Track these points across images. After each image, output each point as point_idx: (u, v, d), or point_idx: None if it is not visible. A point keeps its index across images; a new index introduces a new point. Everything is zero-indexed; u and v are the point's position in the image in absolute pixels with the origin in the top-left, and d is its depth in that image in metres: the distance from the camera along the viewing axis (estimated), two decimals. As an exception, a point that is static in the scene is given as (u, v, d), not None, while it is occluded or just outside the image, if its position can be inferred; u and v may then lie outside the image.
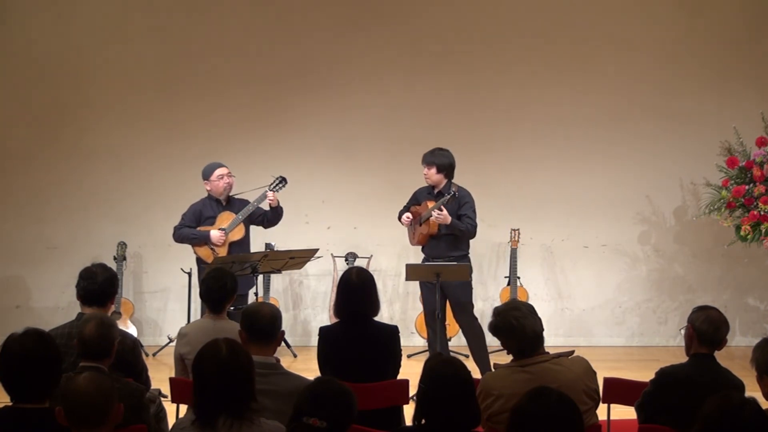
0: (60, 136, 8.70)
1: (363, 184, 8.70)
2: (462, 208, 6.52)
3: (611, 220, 8.70)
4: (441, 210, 6.34)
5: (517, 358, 3.72)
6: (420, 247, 6.88)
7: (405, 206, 6.89)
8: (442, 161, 6.59)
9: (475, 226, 6.57)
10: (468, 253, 6.71)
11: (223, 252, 6.83)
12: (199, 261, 6.98)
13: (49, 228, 8.67)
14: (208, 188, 6.99)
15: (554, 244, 8.75)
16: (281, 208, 7.05)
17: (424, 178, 6.67)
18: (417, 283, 7.97)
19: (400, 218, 6.88)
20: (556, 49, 8.64)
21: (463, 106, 8.68)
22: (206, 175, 6.99)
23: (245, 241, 7.00)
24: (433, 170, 6.59)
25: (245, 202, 7.02)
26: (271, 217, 7.07)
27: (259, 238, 7.85)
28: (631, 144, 8.67)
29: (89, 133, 8.70)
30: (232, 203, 7.02)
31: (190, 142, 8.57)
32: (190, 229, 6.91)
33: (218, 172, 6.94)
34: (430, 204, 6.54)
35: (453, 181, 6.65)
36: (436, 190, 6.67)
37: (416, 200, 6.82)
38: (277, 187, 7.03)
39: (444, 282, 6.39)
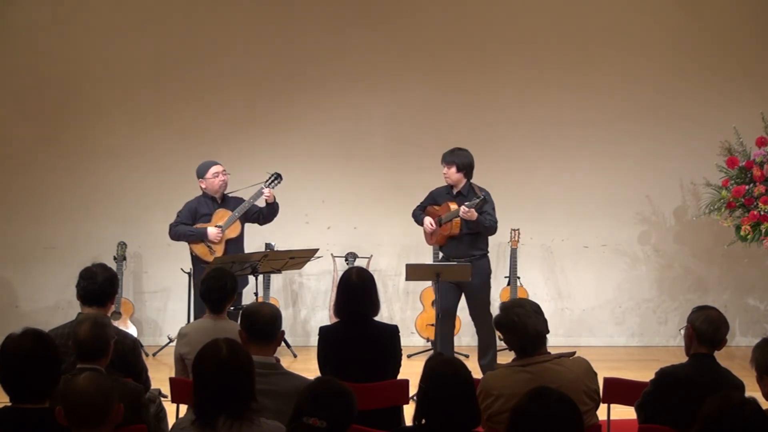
0: (60, 136, 8.70)
1: (363, 184, 8.70)
2: (483, 207, 6.55)
3: (611, 220, 8.70)
4: (469, 210, 6.37)
5: (519, 355, 3.72)
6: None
7: (420, 206, 6.90)
8: (462, 161, 6.62)
9: (495, 222, 6.61)
10: (487, 252, 6.76)
11: (219, 249, 6.82)
12: (196, 260, 6.97)
13: (49, 228, 8.67)
14: (203, 186, 6.98)
15: (554, 244, 8.75)
16: (277, 204, 7.06)
17: (444, 178, 6.69)
18: (417, 283, 8.00)
19: (415, 217, 6.88)
20: (556, 49, 8.64)
21: (463, 106, 8.68)
22: (201, 173, 6.98)
23: (240, 238, 7.00)
24: (453, 169, 6.61)
25: (240, 200, 7.02)
26: (267, 213, 7.08)
27: (258, 238, 7.86)
28: (631, 144, 8.67)
29: (89, 133, 8.70)
30: (227, 201, 7.02)
31: (190, 142, 8.57)
32: (187, 226, 6.90)
33: (213, 169, 6.94)
34: (452, 205, 6.57)
35: (472, 181, 6.69)
36: (455, 190, 6.69)
37: (433, 200, 6.82)
38: (273, 184, 7.03)
39: (467, 283, 6.47)
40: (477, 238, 6.63)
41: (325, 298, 8.68)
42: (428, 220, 6.71)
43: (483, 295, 6.68)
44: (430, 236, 6.83)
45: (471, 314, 6.81)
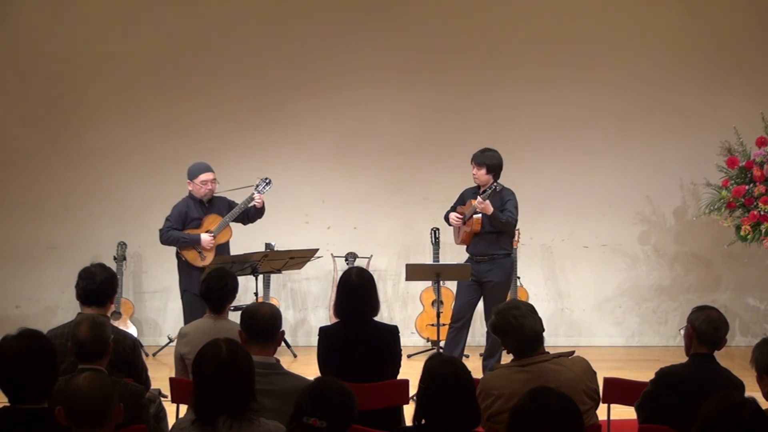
0: (59, 136, 8.70)
1: (363, 183, 8.70)
2: (505, 204, 6.58)
3: (611, 220, 8.70)
4: (483, 201, 6.37)
5: (516, 357, 3.73)
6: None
7: (452, 207, 6.92)
8: (492, 162, 6.65)
9: (514, 219, 6.61)
10: (511, 252, 6.78)
11: (210, 255, 6.80)
12: (185, 265, 6.90)
13: (49, 228, 8.67)
14: (190, 188, 6.93)
15: (554, 244, 8.75)
16: (264, 208, 7.04)
17: (473, 178, 6.71)
18: (416, 283, 7.99)
19: (446, 219, 6.90)
20: (555, 49, 8.64)
21: (463, 106, 8.68)
22: (192, 175, 6.89)
23: (228, 242, 6.99)
24: (483, 170, 6.64)
25: (226, 201, 7.00)
26: (253, 215, 7.06)
27: (259, 238, 7.86)
28: (631, 144, 8.67)
29: (88, 133, 8.70)
30: (214, 203, 6.97)
31: (190, 141, 8.57)
32: (179, 231, 6.85)
33: (203, 177, 6.84)
34: (475, 203, 6.59)
35: (498, 181, 6.71)
36: (482, 190, 6.71)
37: (463, 200, 6.85)
38: (263, 189, 7.01)
39: (487, 281, 6.53)
40: (499, 237, 6.65)
41: (324, 299, 8.67)
42: (454, 215, 6.75)
43: (502, 294, 6.67)
44: (457, 234, 6.85)
45: (486, 314, 6.79)
